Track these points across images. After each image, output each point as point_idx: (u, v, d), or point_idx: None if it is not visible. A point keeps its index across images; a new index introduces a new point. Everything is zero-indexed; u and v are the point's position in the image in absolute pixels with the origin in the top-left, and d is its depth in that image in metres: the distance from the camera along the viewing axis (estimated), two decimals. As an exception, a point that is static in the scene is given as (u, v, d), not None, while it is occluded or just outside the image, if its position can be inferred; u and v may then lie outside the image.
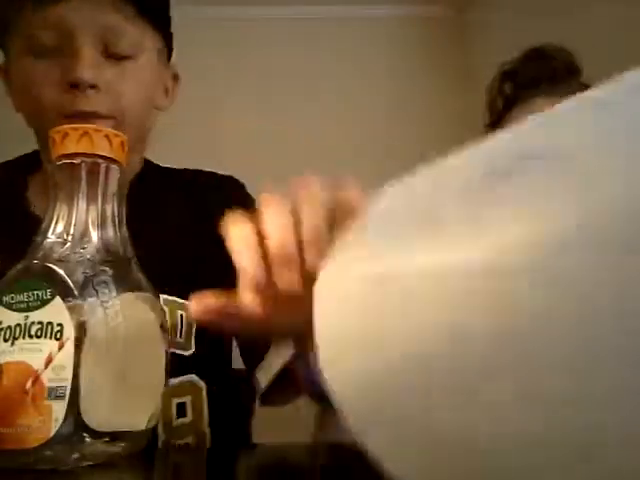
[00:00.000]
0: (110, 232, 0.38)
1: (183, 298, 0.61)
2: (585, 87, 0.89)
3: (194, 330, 0.62)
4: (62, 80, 0.56)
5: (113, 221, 0.39)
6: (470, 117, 2.10)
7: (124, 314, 0.38)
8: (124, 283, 0.38)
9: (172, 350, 0.58)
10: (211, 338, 0.62)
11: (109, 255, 0.38)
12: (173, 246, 0.64)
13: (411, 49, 2.16)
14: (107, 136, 0.37)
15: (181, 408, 0.60)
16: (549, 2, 1.58)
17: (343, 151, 2.06)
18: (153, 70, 0.65)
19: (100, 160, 0.37)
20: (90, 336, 0.37)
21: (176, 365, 0.58)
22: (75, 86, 0.56)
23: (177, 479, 0.42)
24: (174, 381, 0.59)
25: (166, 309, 0.59)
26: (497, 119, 0.96)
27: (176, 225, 0.67)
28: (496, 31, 1.95)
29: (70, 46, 0.57)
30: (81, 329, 0.37)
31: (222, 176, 0.76)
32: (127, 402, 0.39)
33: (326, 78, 2.12)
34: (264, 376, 0.59)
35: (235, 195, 0.73)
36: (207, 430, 0.62)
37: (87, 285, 0.37)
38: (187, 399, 0.60)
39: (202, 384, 0.62)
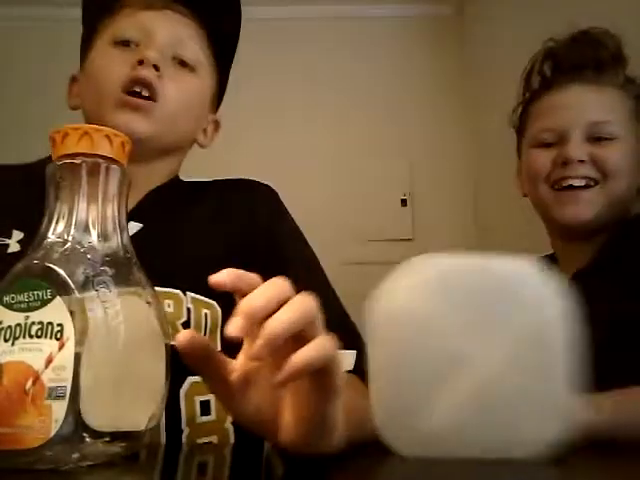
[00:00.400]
0: (111, 232, 0.38)
1: (210, 297, 0.62)
2: (630, 81, 0.84)
3: (219, 330, 0.62)
4: (132, 60, 0.64)
5: (114, 221, 0.39)
6: (469, 115, 2.10)
7: (124, 314, 0.38)
8: (124, 283, 0.38)
9: None
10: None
11: (109, 255, 0.38)
12: (197, 248, 0.65)
13: (410, 48, 2.16)
14: (107, 136, 0.37)
15: (205, 406, 0.60)
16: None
17: (343, 149, 2.06)
18: (203, 91, 0.72)
19: (101, 160, 0.37)
20: (90, 336, 0.37)
21: None
22: (141, 63, 0.63)
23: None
24: (196, 379, 0.59)
25: (192, 307, 0.60)
26: (530, 99, 0.92)
27: (204, 229, 0.68)
28: (496, 29, 1.94)
29: (148, 40, 0.66)
30: (81, 329, 0.37)
31: (250, 180, 0.77)
32: (127, 402, 0.39)
33: (325, 78, 2.12)
34: None
35: (261, 195, 0.74)
36: (230, 427, 0.62)
37: (87, 285, 0.37)
38: (211, 397, 0.60)
39: None
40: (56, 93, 0.81)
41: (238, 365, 0.38)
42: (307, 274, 0.67)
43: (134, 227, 0.63)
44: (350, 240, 2.03)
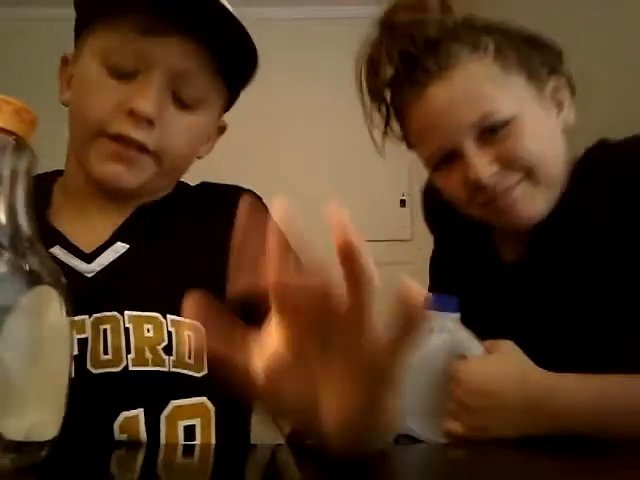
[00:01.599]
0: (21, 216, 0.34)
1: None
2: (486, 31, 0.67)
3: (205, 352, 0.58)
4: (123, 103, 0.56)
5: (25, 204, 0.34)
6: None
7: (38, 310, 0.35)
8: (37, 272, 0.34)
9: (180, 371, 0.57)
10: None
11: (20, 241, 0.33)
12: (180, 267, 0.62)
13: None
14: (17, 111, 0.33)
15: (189, 431, 0.57)
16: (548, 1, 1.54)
17: (342, 150, 2.03)
18: (208, 127, 0.65)
19: (7, 135, 0.33)
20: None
21: (186, 386, 0.57)
22: (133, 114, 0.56)
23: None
24: (182, 402, 0.57)
25: (173, 330, 0.57)
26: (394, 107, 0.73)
27: (186, 247, 0.64)
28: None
29: (144, 76, 0.57)
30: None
31: (232, 188, 0.71)
32: (36, 407, 0.35)
33: (326, 78, 2.09)
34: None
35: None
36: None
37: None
38: (196, 422, 0.57)
39: (211, 407, 0.59)
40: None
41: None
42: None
43: (121, 248, 0.61)
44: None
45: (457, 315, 0.64)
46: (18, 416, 0.34)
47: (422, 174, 2.15)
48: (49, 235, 0.58)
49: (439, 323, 0.64)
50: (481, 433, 0.58)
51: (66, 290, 0.36)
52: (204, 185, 0.72)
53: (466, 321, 0.65)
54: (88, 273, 0.59)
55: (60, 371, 0.35)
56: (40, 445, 0.34)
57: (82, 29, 0.62)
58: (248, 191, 0.71)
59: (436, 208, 0.85)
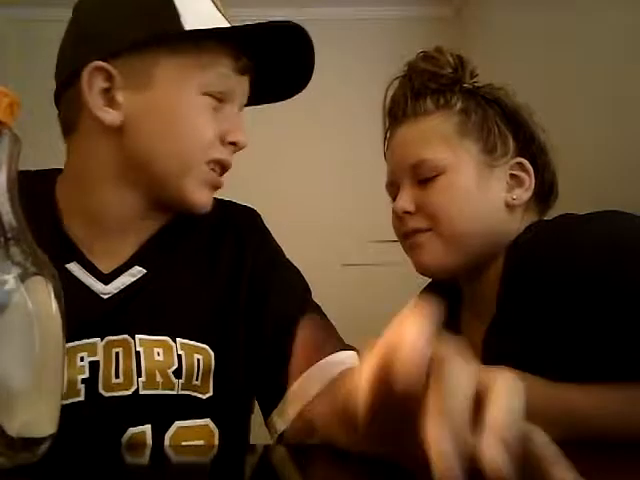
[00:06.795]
0: (3, 204, 0.33)
1: (202, 341, 0.60)
2: (451, 93, 0.75)
3: (212, 374, 0.60)
4: (223, 134, 0.62)
5: (8, 192, 0.33)
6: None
7: (33, 301, 0.34)
8: (22, 264, 0.33)
9: (188, 393, 0.58)
10: (232, 381, 0.61)
11: (2, 231, 0.33)
12: (191, 290, 0.63)
13: (411, 49, 2.13)
14: None
15: None
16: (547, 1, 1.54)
17: (343, 150, 2.03)
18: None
19: None
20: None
21: (191, 407, 0.58)
22: (234, 145, 0.63)
23: None
24: (186, 423, 0.57)
25: (183, 353, 0.58)
26: None
27: (196, 271, 0.65)
28: (494, 32, 1.92)
29: (232, 108, 0.63)
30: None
31: (235, 207, 0.72)
32: (37, 404, 0.34)
33: (326, 79, 2.08)
34: (281, 420, 0.58)
35: (246, 222, 0.70)
36: None
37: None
38: (200, 443, 0.58)
39: (215, 429, 0.59)
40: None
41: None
42: (287, 296, 0.65)
43: (138, 272, 0.61)
44: (350, 241, 1.99)
45: None
46: (14, 412, 0.33)
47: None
48: (66, 248, 0.59)
49: None
50: None
51: (56, 279, 0.35)
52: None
53: None
54: (104, 294, 0.58)
55: (54, 366, 0.35)
56: (38, 442, 0.34)
57: (149, 50, 0.59)
58: (251, 210, 0.72)
59: None
